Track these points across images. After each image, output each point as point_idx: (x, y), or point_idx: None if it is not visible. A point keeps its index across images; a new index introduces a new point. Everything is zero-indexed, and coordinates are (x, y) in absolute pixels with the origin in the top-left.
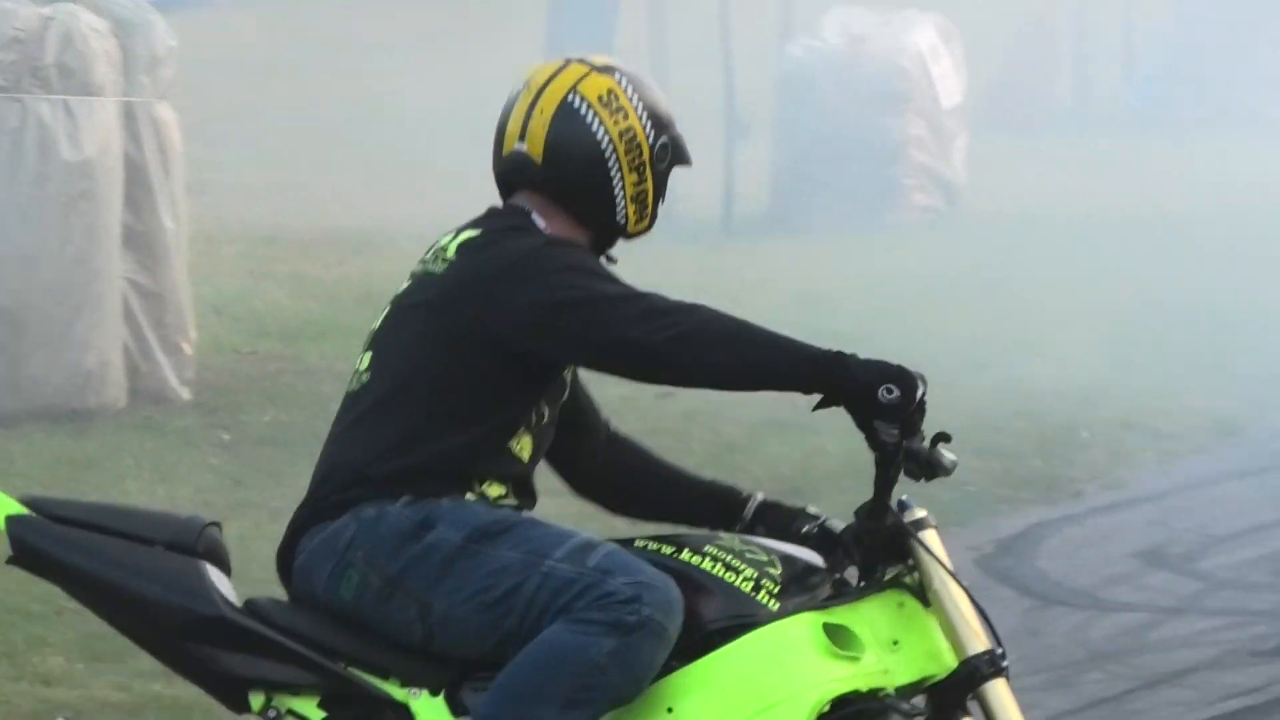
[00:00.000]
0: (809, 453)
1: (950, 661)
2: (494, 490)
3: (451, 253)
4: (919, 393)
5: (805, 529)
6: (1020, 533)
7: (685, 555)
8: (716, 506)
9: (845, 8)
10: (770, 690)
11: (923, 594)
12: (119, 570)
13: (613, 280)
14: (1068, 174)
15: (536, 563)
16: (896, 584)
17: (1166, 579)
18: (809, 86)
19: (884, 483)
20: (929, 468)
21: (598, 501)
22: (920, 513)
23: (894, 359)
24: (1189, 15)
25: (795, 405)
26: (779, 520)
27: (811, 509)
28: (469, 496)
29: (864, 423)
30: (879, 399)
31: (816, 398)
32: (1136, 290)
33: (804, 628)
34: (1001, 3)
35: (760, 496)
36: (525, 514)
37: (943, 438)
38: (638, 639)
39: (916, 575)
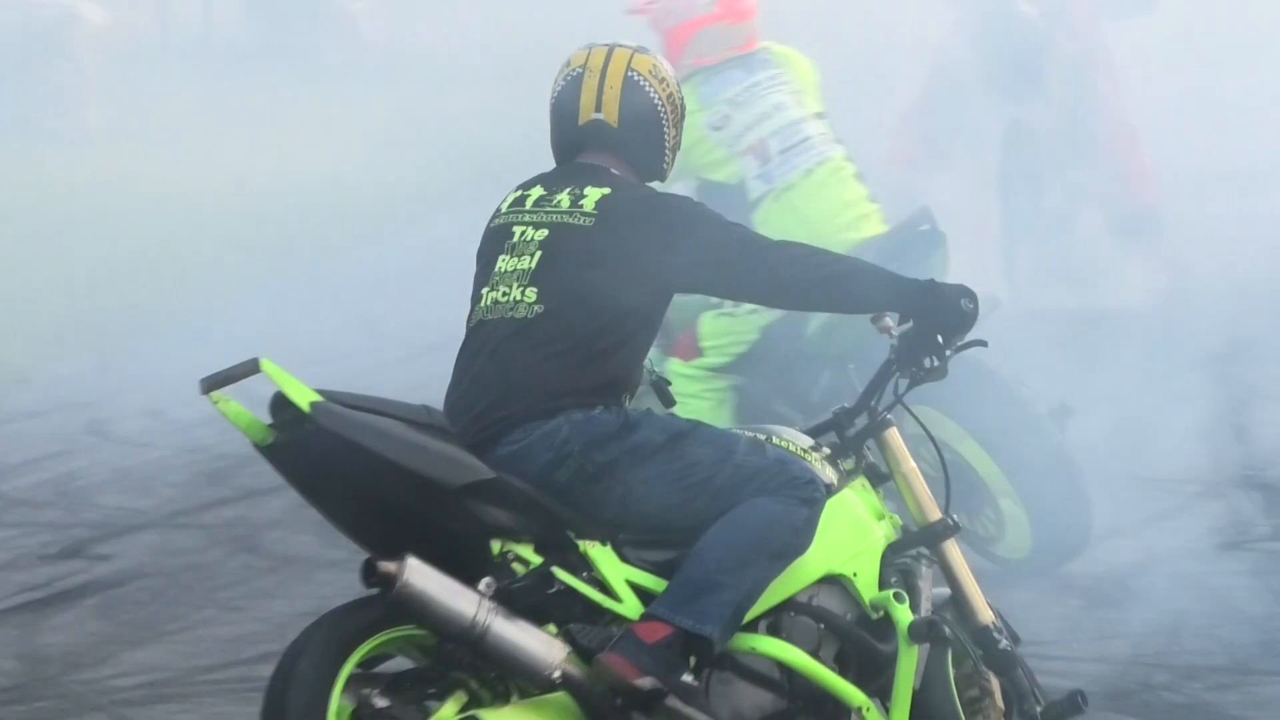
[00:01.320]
0: None
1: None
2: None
3: (590, 206)
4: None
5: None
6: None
7: (775, 440)
8: None
9: None
10: (859, 539)
11: (877, 475)
12: (410, 445)
13: (749, 228)
14: None
15: (727, 457)
16: (865, 469)
17: None
18: None
19: (881, 384)
20: (936, 374)
21: None
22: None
23: None
24: None
25: None
26: None
27: None
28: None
29: (934, 333)
30: (962, 308)
31: None
32: None
33: (860, 494)
34: None
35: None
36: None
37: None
38: (817, 509)
39: (870, 461)
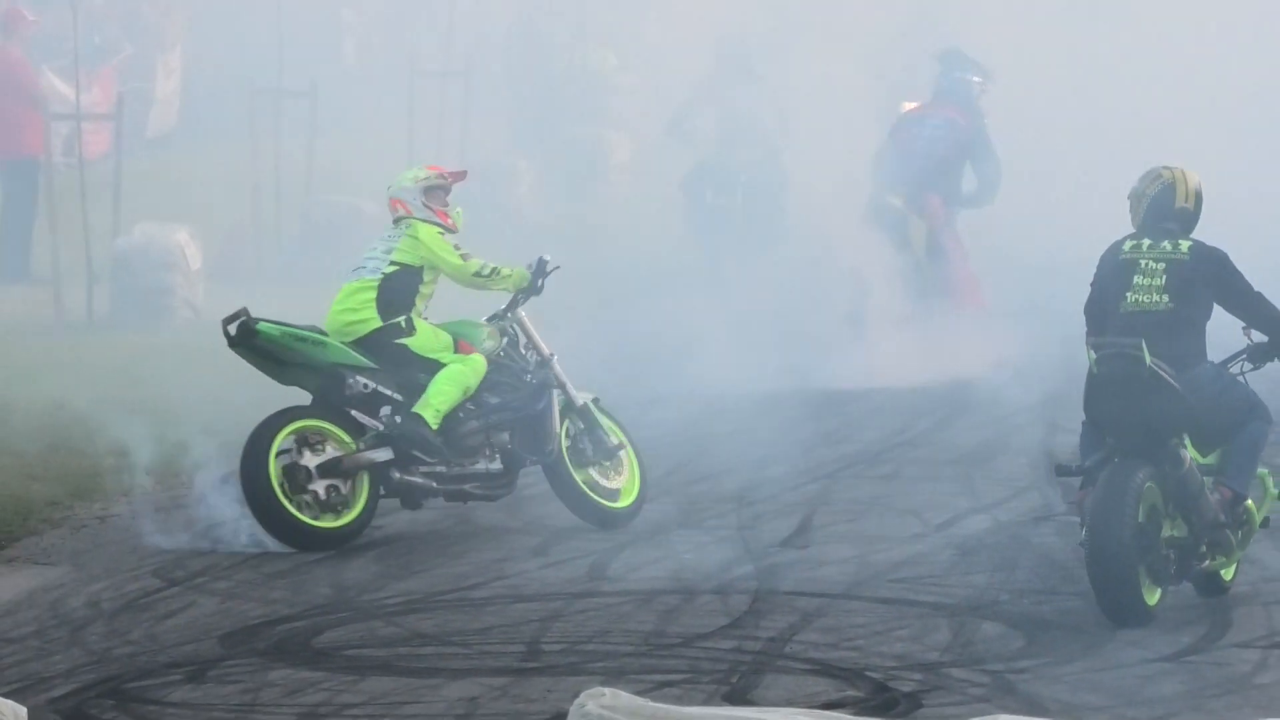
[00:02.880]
0: None
1: None
2: None
3: (1184, 250)
4: None
5: None
6: None
7: None
8: None
9: None
10: None
11: None
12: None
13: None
14: None
15: (1247, 393)
16: None
17: None
18: None
19: (1234, 360)
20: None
21: None
22: None
23: None
24: None
25: None
26: None
27: None
28: None
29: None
30: None
31: None
32: None
33: None
34: None
35: None
36: None
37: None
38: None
39: None
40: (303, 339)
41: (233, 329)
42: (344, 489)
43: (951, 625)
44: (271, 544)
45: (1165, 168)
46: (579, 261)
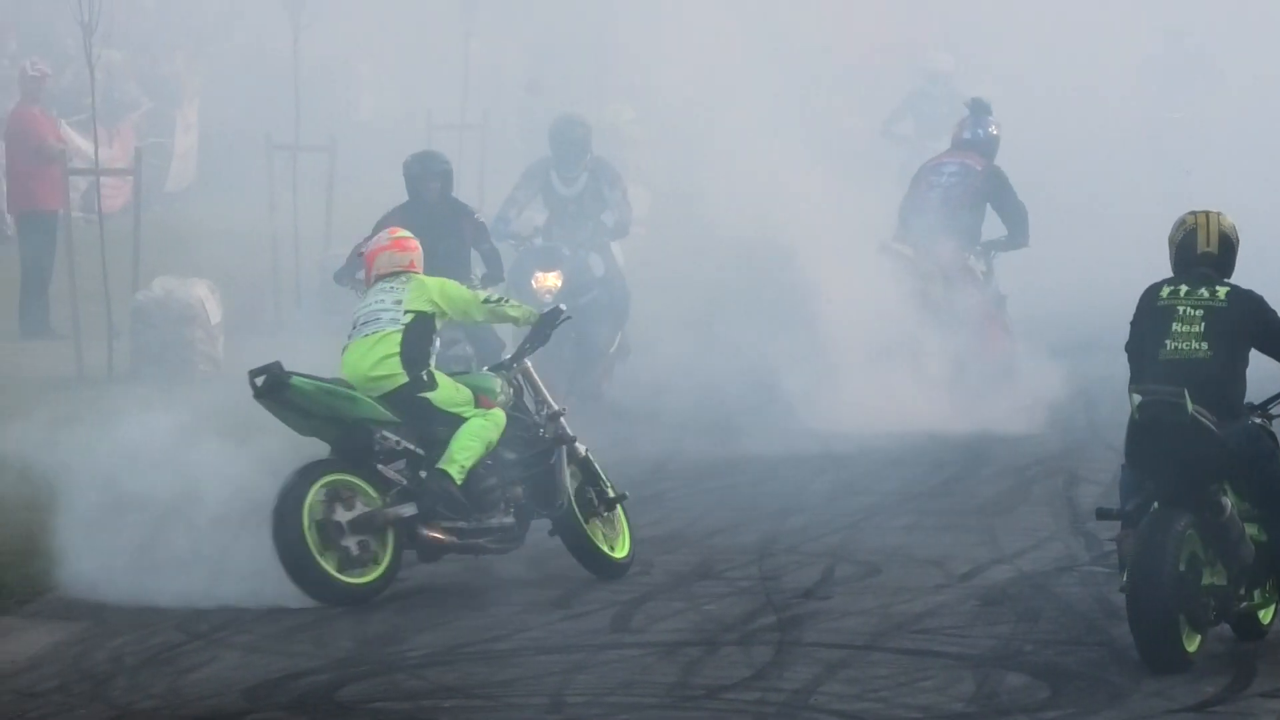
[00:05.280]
0: None
1: None
2: None
3: (1222, 296)
4: None
5: None
6: None
7: None
8: None
9: None
10: None
11: None
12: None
13: None
14: None
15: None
16: None
17: None
18: None
19: None
20: None
21: None
22: None
23: None
24: None
25: None
26: None
27: None
28: None
29: None
30: None
31: None
32: None
33: None
34: None
35: None
36: None
37: None
38: None
39: None
40: (334, 394)
41: (260, 381)
42: (374, 544)
43: (976, 676)
44: (294, 598)
45: (1191, 213)
46: None
